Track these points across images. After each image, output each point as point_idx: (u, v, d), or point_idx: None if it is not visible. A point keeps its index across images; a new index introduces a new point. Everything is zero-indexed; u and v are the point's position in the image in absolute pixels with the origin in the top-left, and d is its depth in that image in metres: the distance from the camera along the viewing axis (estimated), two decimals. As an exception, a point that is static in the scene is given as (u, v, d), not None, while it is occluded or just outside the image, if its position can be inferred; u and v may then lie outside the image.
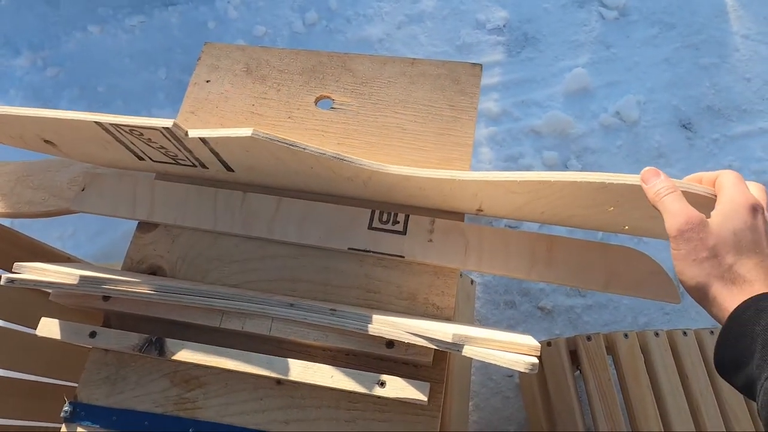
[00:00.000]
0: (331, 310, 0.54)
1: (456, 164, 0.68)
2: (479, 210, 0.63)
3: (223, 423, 0.58)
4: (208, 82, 0.76)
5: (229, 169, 0.64)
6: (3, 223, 0.77)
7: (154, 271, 0.66)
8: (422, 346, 0.51)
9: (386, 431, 0.56)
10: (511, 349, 0.47)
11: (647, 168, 0.47)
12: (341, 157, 0.56)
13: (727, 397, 0.88)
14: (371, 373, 0.54)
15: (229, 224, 0.66)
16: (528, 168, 1.49)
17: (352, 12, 1.77)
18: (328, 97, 0.73)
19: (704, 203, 0.46)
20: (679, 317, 1.33)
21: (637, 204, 0.50)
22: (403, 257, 0.62)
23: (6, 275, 0.55)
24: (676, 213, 0.44)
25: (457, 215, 0.65)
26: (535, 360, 0.45)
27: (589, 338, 0.95)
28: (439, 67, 0.73)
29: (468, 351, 0.47)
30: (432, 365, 0.57)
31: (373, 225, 0.64)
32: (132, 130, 0.55)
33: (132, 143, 0.60)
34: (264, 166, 0.61)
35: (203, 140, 0.56)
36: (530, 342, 0.47)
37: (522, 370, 0.45)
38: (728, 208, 0.44)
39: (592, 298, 1.35)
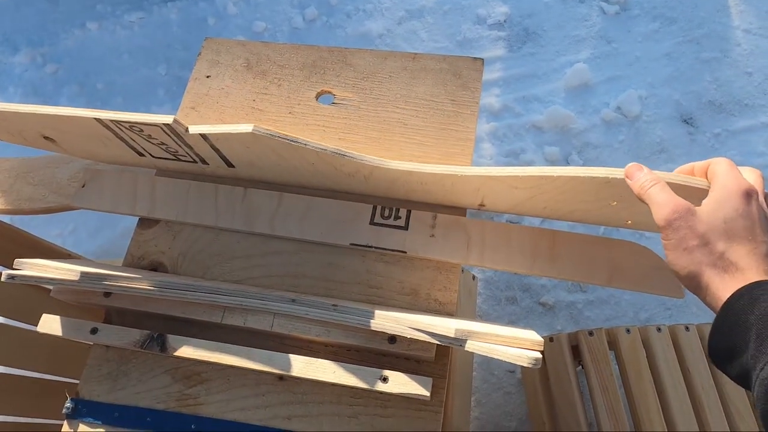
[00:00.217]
0: (333, 305, 0.54)
1: (458, 159, 0.67)
2: (481, 205, 0.63)
3: (225, 419, 0.57)
4: (208, 77, 0.76)
5: (229, 164, 0.63)
6: (3, 220, 0.77)
7: (155, 268, 0.65)
8: (424, 342, 0.51)
9: (389, 427, 0.56)
10: (514, 344, 0.47)
11: (630, 164, 0.48)
12: (342, 153, 0.56)
13: (729, 392, 0.88)
14: (373, 369, 0.54)
15: (230, 220, 0.65)
16: (529, 163, 1.49)
17: (352, 7, 1.76)
18: (329, 93, 0.73)
19: (701, 196, 0.45)
20: (680, 313, 1.33)
21: (641, 198, 0.49)
22: (405, 252, 0.62)
23: (7, 272, 0.54)
24: (662, 203, 0.44)
25: (459, 210, 0.64)
26: (539, 354, 0.45)
27: (591, 333, 0.95)
28: (441, 61, 0.73)
29: (471, 346, 0.47)
30: (434, 360, 0.57)
31: (375, 220, 0.64)
32: (132, 126, 0.55)
33: (132, 140, 0.59)
34: (265, 162, 0.61)
35: (204, 136, 0.55)
36: (533, 337, 0.47)
37: (525, 364, 0.45)
38: (720, 195, 0.43)
39: (593, 294, 1.35)
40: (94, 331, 0.58)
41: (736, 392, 0.88)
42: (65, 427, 0.59)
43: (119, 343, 0.58)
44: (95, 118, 0.54)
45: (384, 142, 0.69)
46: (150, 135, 0.57)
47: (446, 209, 0.64)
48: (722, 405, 0.87)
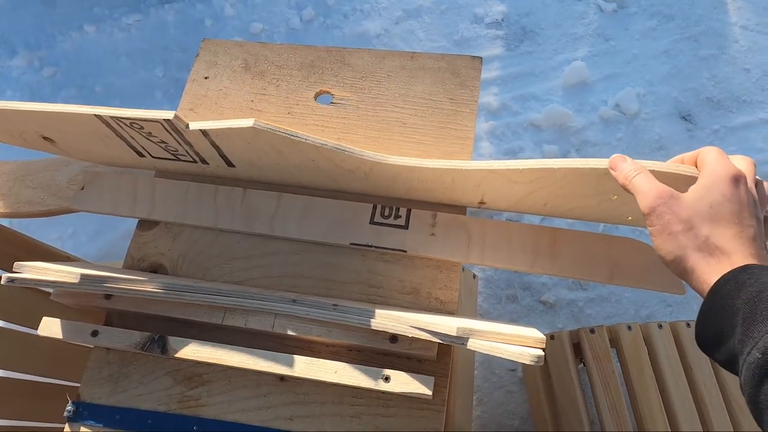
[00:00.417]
0: (333, 305, 0.54)
1: (457, 157, 0.67)
2: (481, 202, 0.63)
3: (226, 420, 0.57)
4: (206, 78, 0.76)
5: (229, 164, 0.63)
6: (2, 224, 0.77)
7: (155, 269, 0.65)
8: (426, 341, 0.51)
9: (391, 427, 0.56)
10: (516, 342, 0.47)
11: (614, 155, 0.48)
12: (342, 148, 0.56)
13: (731, 388, 0.88)
14: (375, 368, 0.54)
15: (230, 221, 0.65)
16: (528, 162, 1.48)
17: (349, 7, 1.76)
18: (328, 92, 0.73)
19: (690, 183, 0.45)
20: (681, 309, 1.33)
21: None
22: (405, 252, 0.62)
23: (6, 275, 0.54)
24: (646, 191, 0.44)
25: (459, 209, 0.64)
26: (541, 352, 0.45)
27: (592, 331, 0.95)
28: (439, 60, 0.73)
29: (473, 344, 0.47)
30: (436, 359, 0.57)
31: (375, 220, 0.64)
32: (132, 123, 0.55)
33: (132, 138, 0.59)
34: (265, 161, 0.61)
35: (204, 132, 0.55)
36: (535, 334, 0.47)
37: (528, 362, 0.44)
38: (708, 181, 0.44)
39: (594, 291, 1.35)
40: (94, 333, 0.58)
41: (737, 388, 0.88)
42: (66, 429, 0.58)
43: (120, 346, 0.58)
44: (95, 115, 0.54)
45: (383, 142, 0.69)
46: (150, 132, 0.57)
47: (446, 208, 0.64)
48: (724, 401, 0.87)
